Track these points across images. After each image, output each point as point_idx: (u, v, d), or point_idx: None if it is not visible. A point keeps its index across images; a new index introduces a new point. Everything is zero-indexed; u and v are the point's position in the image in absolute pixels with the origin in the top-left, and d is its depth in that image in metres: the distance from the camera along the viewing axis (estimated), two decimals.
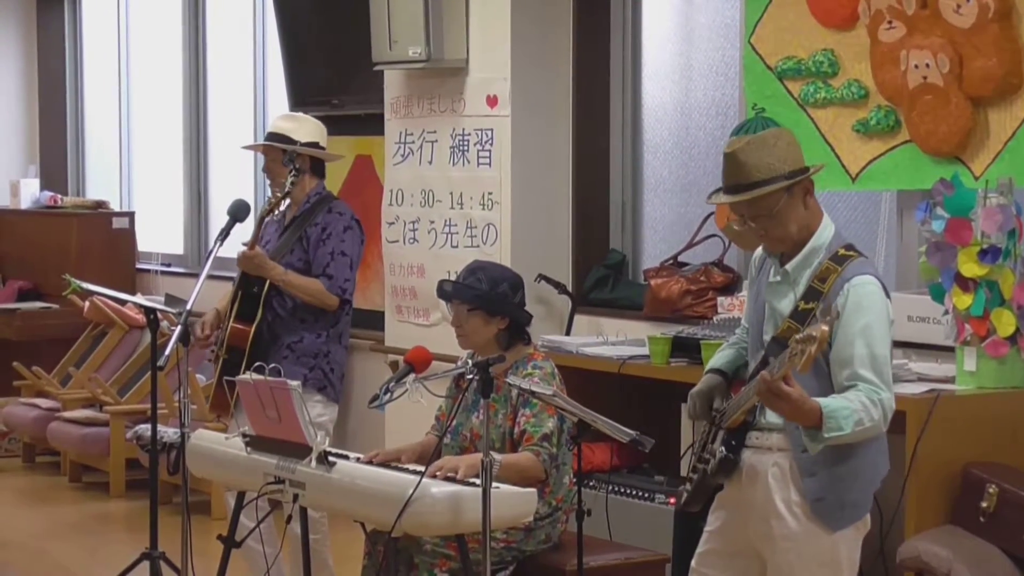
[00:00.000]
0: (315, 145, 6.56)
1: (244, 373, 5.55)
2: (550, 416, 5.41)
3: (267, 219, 6.49)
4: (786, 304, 4.46)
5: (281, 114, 7.46)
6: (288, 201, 6.50)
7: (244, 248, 6.39)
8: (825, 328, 4.09)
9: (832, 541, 4.43)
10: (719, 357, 4.79)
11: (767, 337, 4.49)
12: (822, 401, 4.26)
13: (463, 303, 5.54)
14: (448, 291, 5.59)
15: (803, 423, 4.29)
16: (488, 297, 5.52)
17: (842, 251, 4.44)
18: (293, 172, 6.39)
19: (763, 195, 4.39)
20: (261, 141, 6.87)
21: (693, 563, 4.70)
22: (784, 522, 4.43)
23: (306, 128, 6.62)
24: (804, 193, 4.43)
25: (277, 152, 6.54)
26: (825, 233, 4.47)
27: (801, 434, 4.31)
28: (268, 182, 6.67)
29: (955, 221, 5.57)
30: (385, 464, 5.28)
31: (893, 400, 4.38)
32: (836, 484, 4.40)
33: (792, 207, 4.42)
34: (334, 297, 6.41)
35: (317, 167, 6.60)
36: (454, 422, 5.57)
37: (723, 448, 4.49)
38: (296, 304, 6.41)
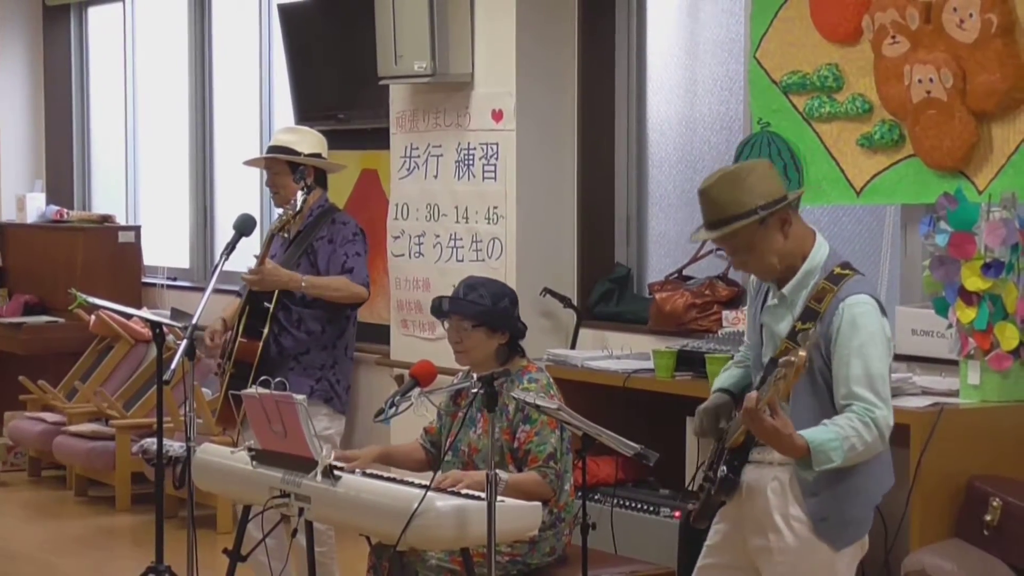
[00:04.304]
0: (317, 156, 6.57)
1: (251, 387, 5.55)
2: (552, 431, 5.40)
3: (275, 236, 6.48)
4: (784, 326, 4.47)
5: (282, 127, 7.43)
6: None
7: (251, 269, 6.34)
8: (803, 354, 4.10)
9: (831, 558, 4.43)
10: (725, 377, 4.79)
11: (767, 359, 4.49)
12: (808, 435, 4.24)
13: (466, 319, 5.53)
14: (449, 308, 5.55)
15: (789, 456, 4.30)
16: (492, 313, 5.51)
17: (838, 270, 4.44)
18: (304, 188, 6.37)
19: (736, 230, 4.41)
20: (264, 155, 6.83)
21: None
22: (781, 536, 4.43)
23: (308, 140, 6.61)
24: (781, 223, 4.43)
25: (281, 165, 6.52)
26: (819, 254, 4.47)
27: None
28: (272, 195, 6.67)
29: (959, 235, 5.58)
30: (390, 478, 5.28)
31: (891, 416, 4.36)
32: (839, 502, 4.39)
33: (769, 238, 4.43)
34: (361, 287, 6.37)
35: (320, 178, 6.60)
36: (453, 439, 5.56)
37: (724, 468, 4.49)
38: (303, 317, 6.40)
